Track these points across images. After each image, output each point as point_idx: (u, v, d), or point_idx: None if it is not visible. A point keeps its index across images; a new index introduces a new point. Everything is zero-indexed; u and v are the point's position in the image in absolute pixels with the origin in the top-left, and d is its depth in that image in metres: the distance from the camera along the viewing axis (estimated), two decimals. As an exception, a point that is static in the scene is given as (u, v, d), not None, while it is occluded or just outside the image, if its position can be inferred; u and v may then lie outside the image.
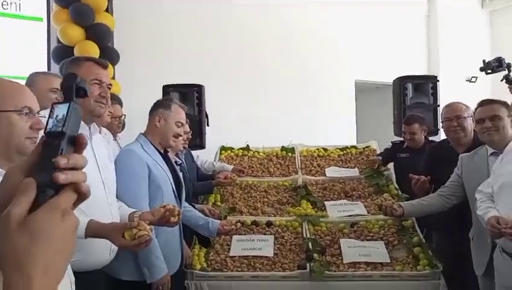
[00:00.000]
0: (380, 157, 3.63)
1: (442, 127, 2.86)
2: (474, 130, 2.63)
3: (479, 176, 2.24)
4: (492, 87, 8.40)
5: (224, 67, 5.97)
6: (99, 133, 2.05)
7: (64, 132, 0.54)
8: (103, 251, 1.72)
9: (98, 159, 1.78)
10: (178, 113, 2.26)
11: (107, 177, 1.80)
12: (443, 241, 2.68)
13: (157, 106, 2.27)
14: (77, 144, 0.56)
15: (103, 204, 1.74)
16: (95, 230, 1.53)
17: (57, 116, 0.55)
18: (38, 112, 1.21)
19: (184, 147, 3.15)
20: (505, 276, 1.93)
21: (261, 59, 6.27)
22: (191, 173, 3.31)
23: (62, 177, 0.51)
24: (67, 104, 0.56)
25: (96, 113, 1.78)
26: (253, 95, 6.14)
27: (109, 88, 1.84)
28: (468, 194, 2.34)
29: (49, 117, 0.56)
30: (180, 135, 2.31)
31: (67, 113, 0.55)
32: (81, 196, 0.54)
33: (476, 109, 2.37)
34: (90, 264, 1.68)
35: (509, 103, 3.13)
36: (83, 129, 1.78)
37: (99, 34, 4.33)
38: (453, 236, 2.56)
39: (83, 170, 0.55)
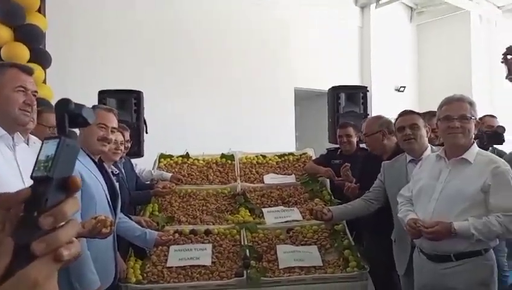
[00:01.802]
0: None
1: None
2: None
3: (398, 182, 2.43)
4: (419, 96, 9.09)
5: (163, 73, 5.91)
6: (27, 142, 1.95)
7: (49, 176, 0.47)
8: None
9: (23, 171, 1.71)
10: (100, 116, 2.17)
11: None
12: (370, 243, 2.86)
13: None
14: (69, 187, 0.49)
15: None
16: None
17: (46, 156, 0.48)
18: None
19: (121, 156, 3.09)
20: (422, 274, 2.11)
21: (201, 66, 6.28)
22: (130, 182, 3.24)
23: (40, 248, 0.44)
24: (57, 141, 0.48)
25: (20, 122, 1.71)
26: (193, 102, 6.12)
27: (34, 95, 1.77)
28: (390, 199, 2.53)
29: (37, 157, 0.48)
30: (106, 138, 2.21)
31: (55, 152, 0.48)
32: (65, 262, 0.46)
33: (396, 119, 2.57)
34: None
35: (427, 111, 3.42)
36: (5, 139, 1.69)
37: (30, 35, 4.10)
38: (378, 238, 2.74)
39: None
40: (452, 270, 1.96)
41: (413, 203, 2.18)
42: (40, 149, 0.49)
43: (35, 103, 1.76)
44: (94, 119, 0.56)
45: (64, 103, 0.52)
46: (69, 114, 0.51)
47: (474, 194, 1.93)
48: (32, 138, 2.61)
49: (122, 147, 2.80)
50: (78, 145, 0.51)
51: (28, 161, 1.79)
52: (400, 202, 2.24)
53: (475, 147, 2.06)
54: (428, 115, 2.85)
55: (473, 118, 2.02)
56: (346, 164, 3.22)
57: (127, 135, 3.16)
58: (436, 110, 3.49)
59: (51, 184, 0.47)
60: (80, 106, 0.52)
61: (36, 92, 1.79)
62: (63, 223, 0.47)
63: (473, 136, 2.08)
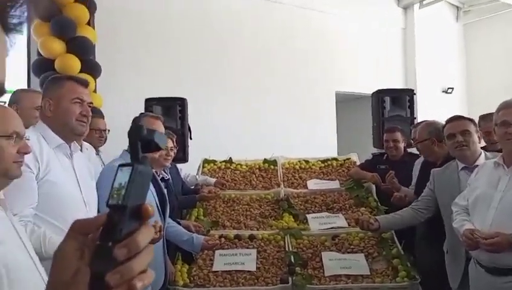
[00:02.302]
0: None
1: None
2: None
3: (450, 191, 2.33)
4: (468, 97, 8.70)
5: (207, 81, 6.01)
6: (81, 148, 2.05)
7: (124, 205, 0.47)
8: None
9: (79, 178, 1.79)
10: (151, 124, 2.22)
11: (88, 196, 1.81)
12: (421, 253, 2.75)
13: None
14: (142, 215, 0.49)
15: (85, 224, 1.74)
16: None
17: (119, 183, 0.48)
18: (24, 136, 1.24)
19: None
20: (479, 288, 2.00)
21: (244, 73, 6.34)
22: (176, 187, 3.31)
23: (114, 280, 0.46)
24: (130, 169, 0.49)
25: (77, 132, 1.80)
26: (235, 108, 6.19)
27: (90, 106, 1.85)
28: (441, 208, 2.42)
29: (112, 184, 0.49)
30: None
31: (129, 180, 0.48)
32: None
33: (445, 125, 2.46)
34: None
35: (486, 114, 3.26)
36: (63, 148, 1.78)
37: (81, 47, 4.31)
38: (429, 248, 2.63)
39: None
40: (513, 284, 1.85)
41: (469, 213, 2.08)
42: (115, 176, 0.49)
43: (90, 113, 1.85)
44: (166, 142, 0.57)
45: (137, 130, 0.51)
46: (142, 141, 0.51)
47: (536, 203, 1.82)
48: (85, 144, 2.75)
49: (172, 153, 2.87)
50: (150, 171, 0.51)
51: (83, 168, 1.88)
52: (455, 211, 2.14)
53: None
54: (486, 119, 2.72)
55: None
56: (390, 171, 3.15)
57: (174, 141, 3.25)
58: (486, 112, 3.34)
59: (125, 213, 0.47)
60: (152, 132, 0.52)
61: (91, 103, 1.89)
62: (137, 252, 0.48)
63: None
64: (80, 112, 1.79)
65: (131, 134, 0.52)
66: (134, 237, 0.48)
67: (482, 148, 2.49)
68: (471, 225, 1.99)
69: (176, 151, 3.36)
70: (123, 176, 0.49)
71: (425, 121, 3.29)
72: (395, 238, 2.84)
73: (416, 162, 3.18)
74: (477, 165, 2.26)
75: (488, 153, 2.39)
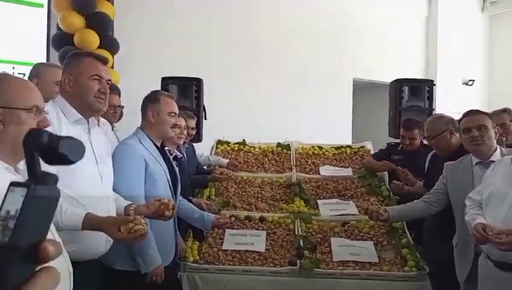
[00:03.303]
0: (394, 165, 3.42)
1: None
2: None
3: (463, 185, 2.30)
4: (489, 91, 8.50)
5: (223, 62, 5.99)
6: (98, 124, 2.08)
7: (11, 245, 0.34)
8: (100, 242, 1.76)
9: (96, 153, 1.82)
10: (168, 104, 2.25)
11: (104, 171, 1.84)
12: (430, 245, 2.74)
13: (146, 102, 2.27)
14: (37, 258, 0.35)
15: (100, 197, 1.78)
16: (91, 223, 1.58)
17: (7, 211, 0.34)
18: (43, 110, 1.26)
19: (184, 142, 3.20)
20: (488, 283, 2.00)
21: (261, 55, 6.29)
22: (191, 167, 3.35)
23: None
24: (24, 191, 0.35)
25: (95, 108, 1.81)
26: (251, 91, 6.17)
27: (108, 84, 1.87)
28: (453, 202, 2.40)
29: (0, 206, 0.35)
30: (177, 125, 2.32)
31: (21, 208, 0.34)
32: None
33: (461, 119, 2.41)
34: (87, 254, 1.73)
35: (507, 108, 3.21)
36: (82, 123, 1.80)
37: (100, 23, 4.33)
38: (439, 241, 2.61)
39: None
40: (523, 279, 1.84)
41: (482, 208, 2.06)
42: (4, 199, 0.35)
43: (108, 91, 1.86)
44: (81, 155, 0.41)
45: (33, 136, 0.38)
46: (40, 151, 0.37)
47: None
48: (102, 119, 2.78)
49: (185, 132, 2.89)
50: (55, 193, 0.37)
51: (100, 143, 1.91)
52: (468, 205, 2.12)
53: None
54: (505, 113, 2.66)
55: None
56: (404, 169, 3.17)
57: (193, 122, 3.28)
58: (507, 106, 3.30)
59: (14, 255, 0.34)
60: (57, 139, 0.38)
61: (110, 80, 1.89)
62: None
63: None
64: (99, 88, 1.80)
65: (26, 141, 0.38)
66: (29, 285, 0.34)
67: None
68: (484, 219, 1.97)
69: (194, 132, 3.39)
70: (14, 201, 0.35)
71: (433, 116, 3.22)
72: (406, 228, 2.84)
73: (429, 155, 3.16)
74: (492, 161, 2.22)
75: (504, 149, 2.35)
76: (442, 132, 2.74)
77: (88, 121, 1.83)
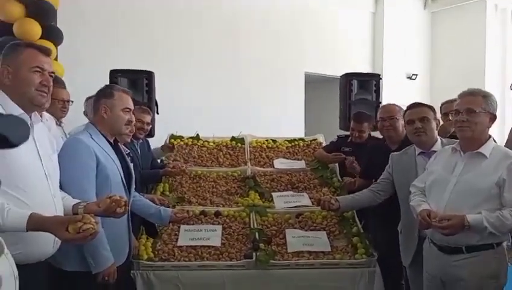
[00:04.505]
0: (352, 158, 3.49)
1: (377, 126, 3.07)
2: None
3: (407, 174, 2.43)
4: (430, 84, 9.00)
5: (176, 55, 5.88)
6: (41, 119, 1.96)
7: None
8: (46, 243, 1.68)
9: (40, 150, 1.72)
10: (122, 99, 2.17)
11: (49, 168, 1.75)
12: (377, 232, 2.87)
13: (99, 97, 2.17)
14: None
15: (46, 196, 1.69)
16: (37, 223, 1.49)
17: None
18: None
19: (139, 137, 3.12)
20: (432, 265, 2.13)
21: (212, 49, 6.24)
22: (145, 162, 3.26)
23: None
24: None
25: (36, 102, 1.71)
26: (204, 85, 6.11)
27: (51, 76, 1.77)
28: (398, 191, 2.53)
29: None
30: (132, 121, 2.25)
31: None
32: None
33: (405, 111, 2.55)
34: (33, 256, 1.64)
35: (450, 99, 3.39)
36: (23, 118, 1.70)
37: (42, 12, 4.09)
38: (385, 228, 2.75)
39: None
40: (463, 262, 1.97)
41: (425, 195, 2.18)
42: None
43: (51, 83, 1.76)
44: (25, 136, 0.38)
45: None
46: None
47: (488, 188, 1.93)
48: (45, 114, 2.63)
49: (147, 128, 2.83)
50: None
51: (44, 139, 1.81)
52: (413, 192, 2.24)
53: (491, 142, 2.05)
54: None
55: (483, 111, 1.99)
56: (350, 158, 3.34)
57: (149, 118, 3.21)
58: (446, 99, 3.50)
59: None
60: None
61: (53, 72, 1.79)
62: None
63: (487, 129, 2.06)
64: (40, 81, 1.69)
65: None
66: None
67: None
68: (428, 205, 2.09)
69: (150, 127, 3.30)
70: None
71: (388, 103, 3.36)
72: (356, 217, 2.95)
73: (369, 147, 3.31)
74: (434, 151, 2.37)
75: (444, 140, 2.51)
76: (398, 112, 2.87)
77: (30, 117, 1.73)
